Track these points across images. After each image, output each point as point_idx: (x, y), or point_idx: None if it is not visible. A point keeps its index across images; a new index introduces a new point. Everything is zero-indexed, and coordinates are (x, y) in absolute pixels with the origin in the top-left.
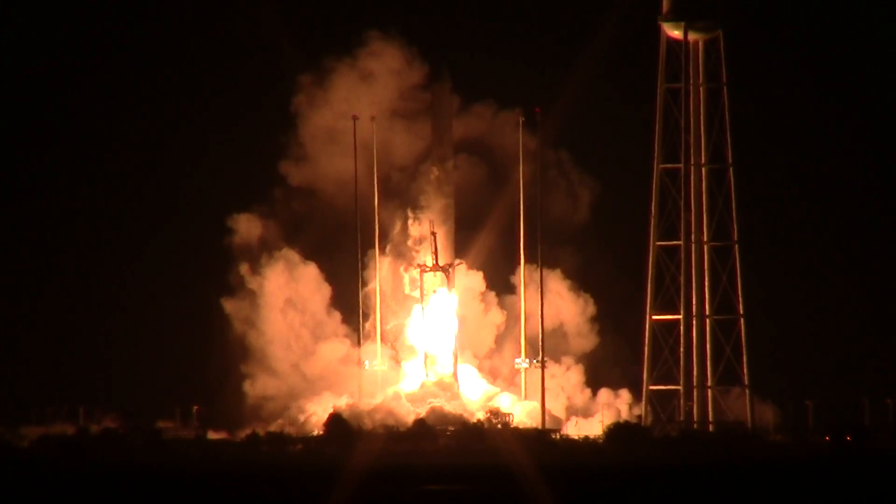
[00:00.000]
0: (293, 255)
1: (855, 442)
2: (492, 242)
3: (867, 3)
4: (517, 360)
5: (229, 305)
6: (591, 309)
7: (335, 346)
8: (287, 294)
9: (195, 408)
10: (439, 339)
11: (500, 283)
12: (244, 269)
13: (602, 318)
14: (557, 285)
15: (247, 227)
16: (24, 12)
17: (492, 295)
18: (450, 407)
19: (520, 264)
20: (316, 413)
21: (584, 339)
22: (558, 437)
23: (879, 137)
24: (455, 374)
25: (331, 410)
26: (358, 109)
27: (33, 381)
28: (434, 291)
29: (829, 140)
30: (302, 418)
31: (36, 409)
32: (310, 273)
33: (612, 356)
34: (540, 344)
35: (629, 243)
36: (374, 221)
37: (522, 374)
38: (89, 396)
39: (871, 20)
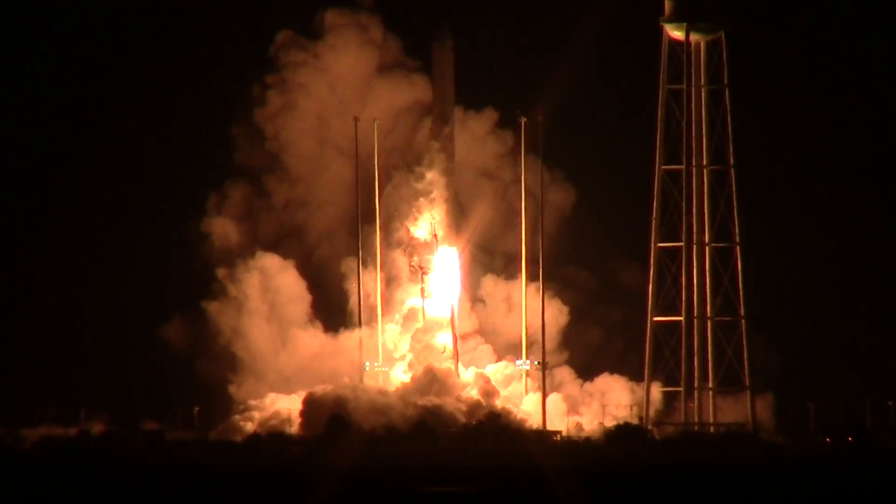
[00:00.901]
0: (271, 262)
1: (856, 443)
2: (465, 252)
3: (868, 4)
4: (518, 362)
5: (212, 309)
6: (564, 318)
7: (311, 340)
8: (266, 303)
9: (196, 409)
10: (441, 299)
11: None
12: (222, 273)
13: (577, 323)
14: (529, 295)
15: (222, 231)
16: None
17: (463, 307)
18: (448, 402)
19: (520, 270)
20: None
21: (554, 351)
22: (559, 438)
23: (881, 138)
24: (455, 352)
25: (314, 398)
26: (328, 110)
27: (34, 382)
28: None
29: (830, 141)
30: (270, 412)
31: (38, 410)
32: (289, 282)
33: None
34: (541, 346)
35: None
36: (376, 220)
37: (524, 376)
38: (83, 398)
39: (873, 20)
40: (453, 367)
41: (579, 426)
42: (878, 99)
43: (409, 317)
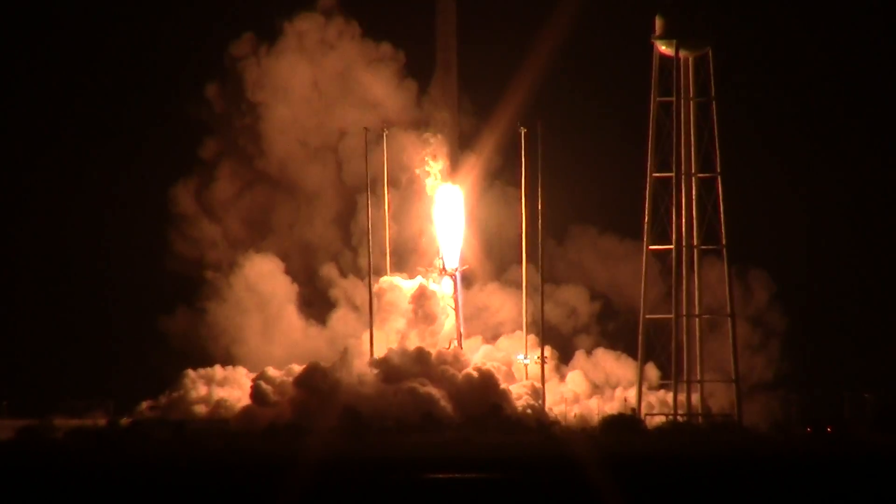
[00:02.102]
0: (260, 264)
1: (835, 433)
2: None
3: (848, 24)
4: (519, 357)
5: (206, 308)
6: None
7: (305, 334)
8: (256, 304)
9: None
10: (445, 243)
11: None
12: (209, 274)
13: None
14: (503, 292)
15: (209, 232)
16: None
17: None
18: (445, 388)
19: (521, 266)
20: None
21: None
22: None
23: (858, 144)
24: (458, 330)
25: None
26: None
27: (63, 374)
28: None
29: (811, 149)
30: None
31: (68, 401)
32: (278, 285)
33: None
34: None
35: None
36: (386, 237)
37: (524, 370)
38: (102, 391)
39: (851, 41)
40: (456, 346)
41: (575, 399)
42: (851, 108)
43: (388, 296)
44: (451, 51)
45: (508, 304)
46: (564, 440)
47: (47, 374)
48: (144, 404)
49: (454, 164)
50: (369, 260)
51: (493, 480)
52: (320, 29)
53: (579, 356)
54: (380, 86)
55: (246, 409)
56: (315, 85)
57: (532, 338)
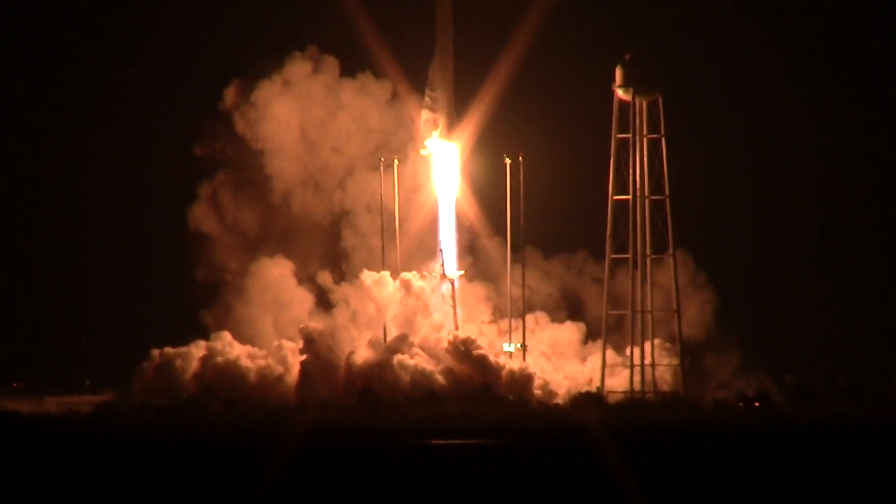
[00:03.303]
0: (271, 268)
1: (763, 408)
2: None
3: (775, 76)
4: (504, 345)
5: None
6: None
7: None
8: (272, 303)
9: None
10: (446, 248)
11: None
12: (229, 277)
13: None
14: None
15: (228, 243)
16: None
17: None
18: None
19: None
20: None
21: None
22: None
23: (785, 173)
24: (453, 300)
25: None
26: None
27: (134, 359)
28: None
29: (747, 178)
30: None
31: (137, 381)
32: (289, 288)
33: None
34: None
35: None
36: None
37: (510, 358)
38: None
39: (776, 91)
40: (451, 322)
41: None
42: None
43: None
44: (448, 36)
45: (469, 294)
46: (544, 413)
47: (122, 360)
48: (156, 353)
49: (451, 126)
50: (381, 265)
51: (489, 446)
52: (307, 76)
53: (533, 330)
54: (358, 129)
55: (232, 365)
56: (301, 129)
57: (504, 324)
